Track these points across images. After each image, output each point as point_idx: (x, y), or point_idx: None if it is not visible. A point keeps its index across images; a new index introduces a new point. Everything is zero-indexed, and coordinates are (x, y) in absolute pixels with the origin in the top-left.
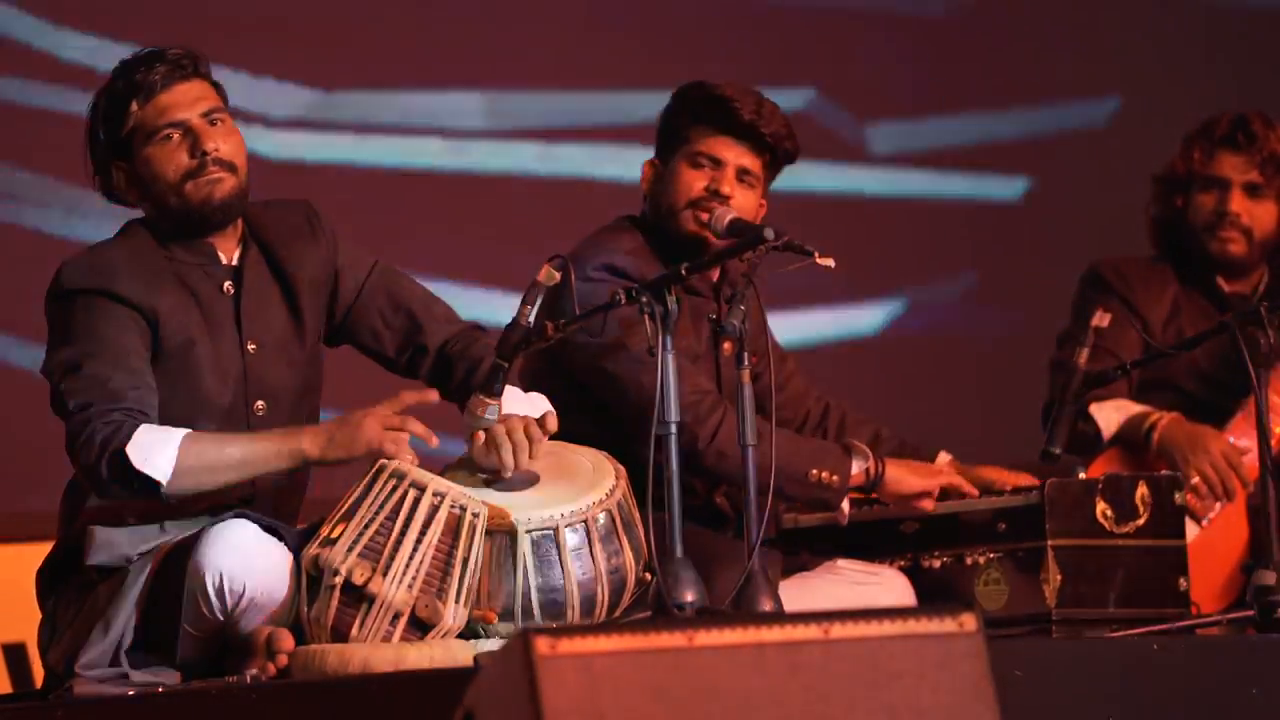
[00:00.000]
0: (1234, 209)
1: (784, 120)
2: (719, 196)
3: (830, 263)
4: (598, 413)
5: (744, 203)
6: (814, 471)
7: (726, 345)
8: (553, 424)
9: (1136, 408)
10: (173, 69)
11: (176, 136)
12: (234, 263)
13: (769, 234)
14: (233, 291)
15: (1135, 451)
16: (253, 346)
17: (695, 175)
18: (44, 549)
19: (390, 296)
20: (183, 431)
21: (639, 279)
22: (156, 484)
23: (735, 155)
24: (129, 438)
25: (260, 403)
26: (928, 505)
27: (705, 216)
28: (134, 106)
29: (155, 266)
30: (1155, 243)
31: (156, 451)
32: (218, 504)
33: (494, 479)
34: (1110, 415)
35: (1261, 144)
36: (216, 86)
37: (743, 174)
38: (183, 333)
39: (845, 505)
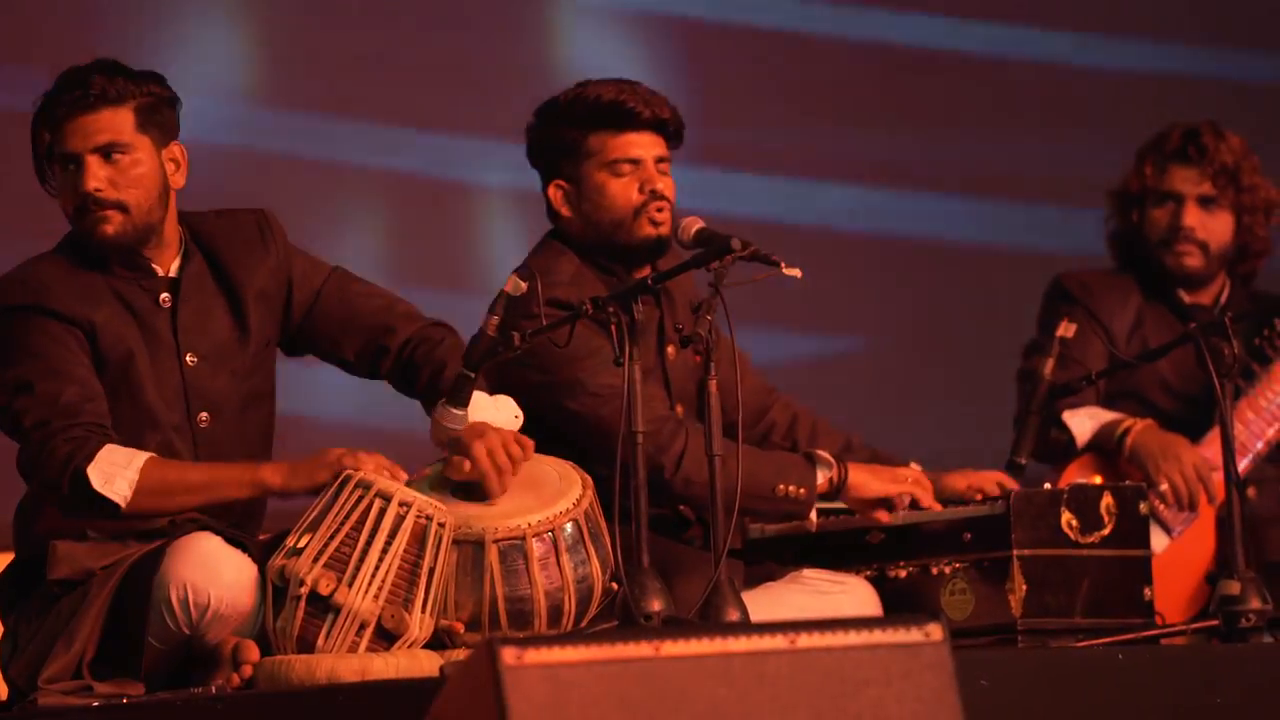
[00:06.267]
0: (1188, 223)
1: (661, 95)
2: (656, 196)
3: (797, 272)
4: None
5: (670, 189)
6: (780, 486)
7: (670, 351)
8: (529, 441)
9: (1110, 415)
10: (81, 98)
11: (71, 168)
12: (172, 274)
13: (735, 244)
14: (170, 304)
15: (1108, 458)
16: (192, 359)
17: (622, 183)
18: (3, 560)
19: (347, 302)
20: (146, 455)
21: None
22: (115, 506)
23: (647, 148)
24: (91, 457)
25: (204, 414)
26: (883, 517)
27: (659, 216)
28: (46, 136)
29: (89, 280)
30: (1115, 257)
31: (118, 474)
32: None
33: (461, 489)
34: (1084, 422)
35: (1212, 156)
36: (145, 109)
37: (659, 162)
38: (120, 346)
39: (813, 514)
